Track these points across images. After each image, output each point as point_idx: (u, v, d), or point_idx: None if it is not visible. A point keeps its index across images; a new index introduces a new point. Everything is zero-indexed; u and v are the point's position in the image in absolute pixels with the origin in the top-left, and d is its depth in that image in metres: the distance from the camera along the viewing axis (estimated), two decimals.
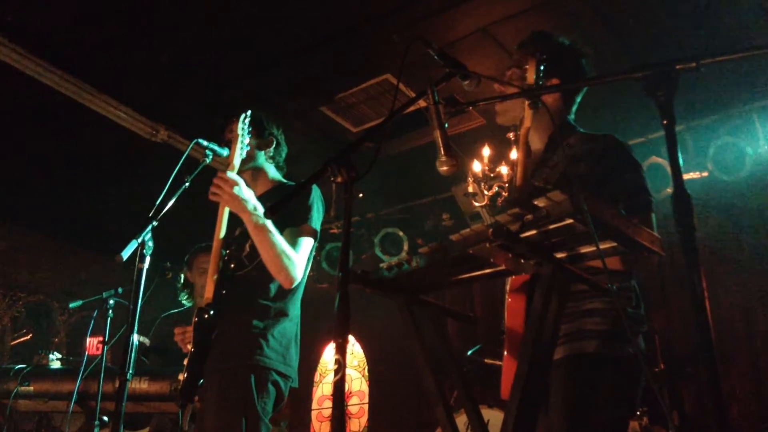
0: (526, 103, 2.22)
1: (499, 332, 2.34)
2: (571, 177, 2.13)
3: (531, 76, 2.23)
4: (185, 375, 2.77)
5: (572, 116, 2.51)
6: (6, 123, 5.62)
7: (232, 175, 2.79)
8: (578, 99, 2.53)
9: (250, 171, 3.11)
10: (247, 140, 2.97)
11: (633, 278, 2.25)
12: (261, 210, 2.78)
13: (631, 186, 2.21)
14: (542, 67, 2.22)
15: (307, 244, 2.92)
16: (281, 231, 2.88)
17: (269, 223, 2.76)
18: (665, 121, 1.37)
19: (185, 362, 2.80)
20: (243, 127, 2.97)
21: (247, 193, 2.79)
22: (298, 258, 2.83)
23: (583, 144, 2.34)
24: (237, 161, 2.92)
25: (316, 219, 2.99)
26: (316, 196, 3.02)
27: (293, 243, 2.86)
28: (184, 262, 4.56)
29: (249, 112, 3.03)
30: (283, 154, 3.27)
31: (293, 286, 2.87)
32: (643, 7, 4.51)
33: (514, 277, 2.20)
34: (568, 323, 2.18)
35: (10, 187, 6.41)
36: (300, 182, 1.98)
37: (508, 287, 2.28)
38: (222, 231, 2.88)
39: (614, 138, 2.33)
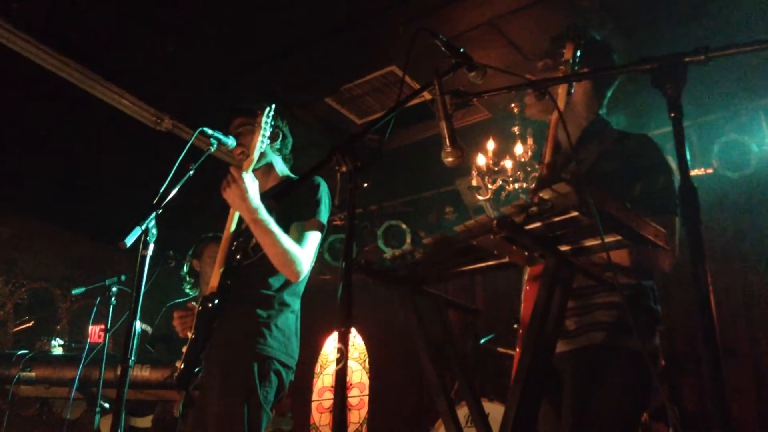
0: (563, 86, 2.22)
1: (513, 321, 2.34)
2: (580, 172, 2.12)
3: (569, 54, 2.23)
4: (182, 363, 2.78)
5: (604, 110, 2.49)
6: (11, 110, 5.62)
7: (244, 175, 2.78)
8: (609, 94, 2.51)
9: (263, 166, 3.10)
10: (268, 133, 2.97)
11: (653, 277, 2.25)
12: (262, 209, 2.77)
13: (659, 188, 2.18)
14: (579, 52, 2.22)
15: (313, 238, 2.92)
16: (289, 225, 2.88)
17: (271, 222, 2.75)
18: (673, 114, 1.36)
19: (183, 350, 2.81)
20: (266, 120, 2.96)
21: (251, 192, 2.77)
22: (303, 253, 2.83)
23: (616, 142, 2.33)
24: (256, 154, 2.91)
25: (324, 213, 2.98)
26: (324, 190, 3.02)
27: (300, 237, 2.86)
28: (190, 252, 4.57)
29: (273, 106, 3.02)
30: (289, 146, 3.27)
31: (300, 279, 2.87)
32: (650, 2, 4.50)
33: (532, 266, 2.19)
34: (582, 315, 2.18)
35: (14, 174, 6.41)
36: (305, 172, 1.97)
37: (526, 276, 2.27)
38: (233, 224, 2.88)
39: (649, 138, 2.31)
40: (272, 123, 3.00)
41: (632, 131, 2.39)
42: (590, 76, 2.46)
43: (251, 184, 2.78)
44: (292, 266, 2.79)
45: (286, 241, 2.78)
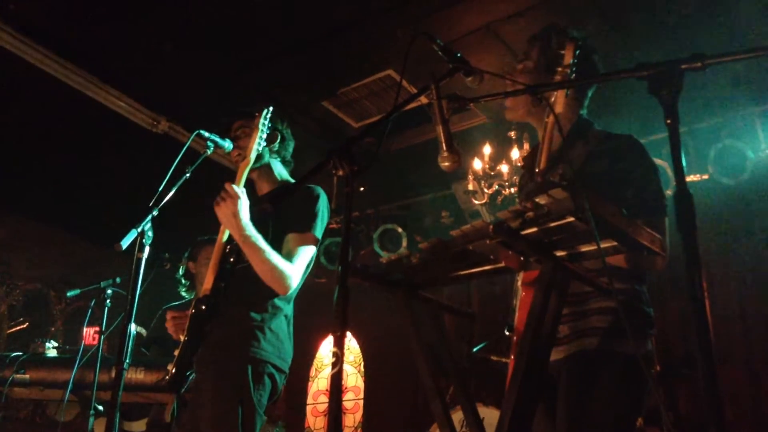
0: (559, 92, 2.22)
1: (506, 328, 2.33)
2: (572, 173, 2.12)
3: (568, 59, 2.22)
4: (174, 366, 2.77)
5: (584, 111, 2.50)
6: (6, 111, 5.60)
7: (237, 189, 2.78)
8: (590, 94, 2.52)
9: (259, 169, 3.10)
10: (265, 135, 2.97)
11: (645, 280, 2.25)
12: (251, 227, 2.76)
13: (646, 188, 2.19)
14: (578, 52, 2.22)
15: (306, 253, 2.90)
16: (283, 236, 2.87)
17: (259, 240, 2.75)
18: (669, 121, 1.36)
19: (176, 353, 2.80)
20: (264, 122, 2.96)
21: (243, 210, 2.77)
22: (293, 269, 2.81)
23: (601, 142, 2.33)
24: (253, 155, 2.92)
25: (320, 227, 2.97)
26: (323, 203, 3.00)
27: (293, 251, 2.85)
28: (186, 254, 4.56)
29: (271, 108, 3.02)
30: (290, 149, 3.26)
31: (288, 294, 2.86)
32: (647, 7, 4.51)
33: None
34: (577, 321, 2.18)
35: (10, 176, 6.40)
36: (302, 175, 1.97)
37: (520, 282, 2.27)
38: (227, 232, 2.87)
39: (634, 139, 2.32)
40: (270, 125, 3.00)
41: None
42: (588, 82, 2.46)
43: (245, 202, 2.79)
44: (281, 282, 2.78)
45: (275, 257, 2.77)
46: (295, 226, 2.92)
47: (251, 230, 2.75)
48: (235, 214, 2.73)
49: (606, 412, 2.05)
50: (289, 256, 2.83)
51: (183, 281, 4.63)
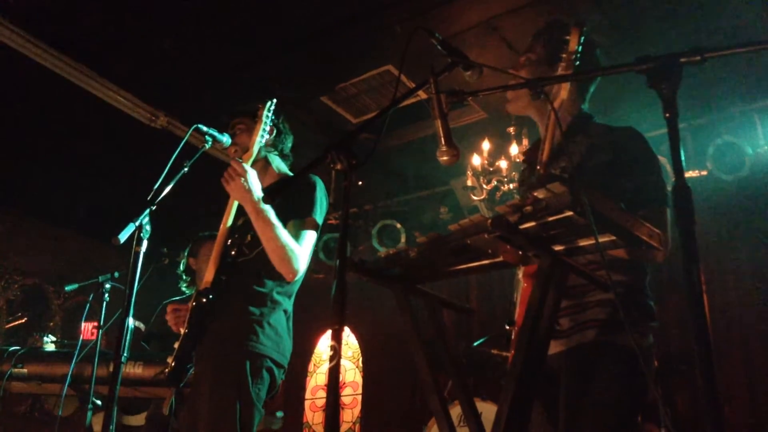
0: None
1: (506, 322, 2.32)
2: (572, 167, 2.12)
3: (573, 45, 2.20)
4: (173, 359, 2.77)
5: (586, 106, 2.50)
6: (5, 106, 5.59)
7: (245, 165, 2.79)
8: (591, 89, 2.51)
9: (260, 162, 3.11)
10: (268, 128, 2.98)
11: (647, 273, 2.25)
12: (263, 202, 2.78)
13: (647, 180, 2.18)
14: (582, 39, 2.21)
15: (310, 237, 2.92)
16: (285, 223, 2.88)
17: (272, 215, 2.76)
18: (668, 114, 1.36)
19: (175, 345, 2.80)
20: (267, 114, 2.98)
21: (254, 185, 2.79)
22: (301, 251, 2.83)
23: (602, 135, 2.33)
24: (256, 148, 2.94)
25: (320, 213, 2.98)
26: (320, 190, 3.01)
27: (297, 235, 2.86)
28: (186, 250, 4.55)
29: (274, 101, 3.04)
30: (287, 143, 3.26)
31: (296, 278, 2.87)
32: (646, 3, 4.50)
33: None
34: (577, 314, 2.17)
35: (8, 171, 6.39)
36: (300, 169, 1.97)
37: (521, 274, 2.26)
38: (230, 219, 2.88)
39: (635, 131, 2.31)
40: (272, 118, 3.01)
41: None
42: (587, 76, 2.45)
43: (254, 176, 2.81)
44: (290, 263, 2.79)
45: (285, 235, 2.78)
46: (296, 213, 2.93)
47: (264, 204, 2.77)
48: (248, 188, 2.76)
49: (608, 405, 2.05)
50: (295, 239, 2.84)
51: (184, 277, 4.63)
